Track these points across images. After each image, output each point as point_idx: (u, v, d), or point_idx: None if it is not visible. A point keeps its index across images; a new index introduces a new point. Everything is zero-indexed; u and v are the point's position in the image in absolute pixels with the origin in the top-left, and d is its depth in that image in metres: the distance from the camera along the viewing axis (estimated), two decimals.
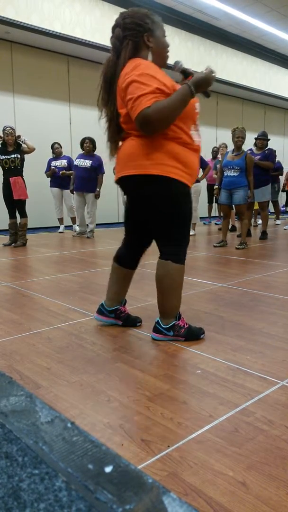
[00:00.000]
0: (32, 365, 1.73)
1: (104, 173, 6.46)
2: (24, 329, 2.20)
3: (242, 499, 0.97)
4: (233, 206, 5.35)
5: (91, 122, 8.84)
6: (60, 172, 6.87)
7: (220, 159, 7.61)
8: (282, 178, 8.67)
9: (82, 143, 6.46)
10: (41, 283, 3.26)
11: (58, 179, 7.01)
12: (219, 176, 5.45)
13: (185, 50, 8.99)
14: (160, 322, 2.00)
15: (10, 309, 2.57)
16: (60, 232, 7.25)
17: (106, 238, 6.43)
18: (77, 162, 6.47)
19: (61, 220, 7.32)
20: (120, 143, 1.99)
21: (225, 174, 5.22)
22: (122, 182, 1.96)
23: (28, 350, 1.90)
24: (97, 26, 7.50)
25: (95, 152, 6.53)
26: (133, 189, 1.94)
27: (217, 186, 5.56)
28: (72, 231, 7.50)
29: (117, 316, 2.20)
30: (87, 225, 6.61)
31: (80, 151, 6.68)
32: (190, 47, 9.08)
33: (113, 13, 7.70)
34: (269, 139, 6.14)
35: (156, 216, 1.91)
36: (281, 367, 1.70)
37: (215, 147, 8.62)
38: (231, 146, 5.76)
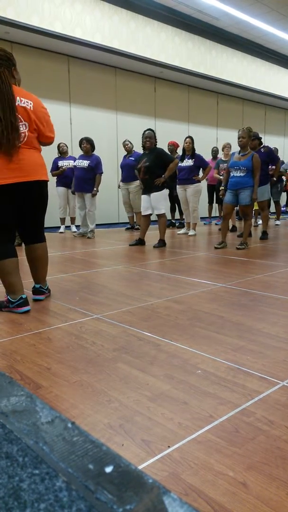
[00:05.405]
0: (33, 365, 1.73)
1: (102, 172, 6.45)
2: (24, 329, 2.20)
3: (243, 500, 0.97)
4: (238, 206, 5.34)
5: (92, 122, 8.85)
6: (61, 170, 7.01)
7: (223, 158, 7.61)
8: (283, 178, 8.66)
9: (80, 144, 6.47)
10: None
11: (65, 178, 7.04)
12: (225, 177, 5.43)
13: (186, 50, 8.99)
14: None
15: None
16: (61, 232, 7.26)
17: (107, 238, 6.43)
18: (76, 162, 6.49)
19: (63, 220, 7.33)
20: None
21: (232, 174, 5.21)
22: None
23: (28, 350, 1.90)
24: (97, 26, 7.50)
25: (94, 152, 6.54)
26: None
27: (222, 187, 5.54)
28: (71, 231, 7.50)
29: None
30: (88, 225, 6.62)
31: (81, 152, 6.69)
32: (190, 47, 9.08)
33: (113, 13, 7.71)
34: (260, 137, 6.14)
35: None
36: (281, 367, 1.70)
37: (214, 147, 8.62)
38: (235, 147, 5.76)
